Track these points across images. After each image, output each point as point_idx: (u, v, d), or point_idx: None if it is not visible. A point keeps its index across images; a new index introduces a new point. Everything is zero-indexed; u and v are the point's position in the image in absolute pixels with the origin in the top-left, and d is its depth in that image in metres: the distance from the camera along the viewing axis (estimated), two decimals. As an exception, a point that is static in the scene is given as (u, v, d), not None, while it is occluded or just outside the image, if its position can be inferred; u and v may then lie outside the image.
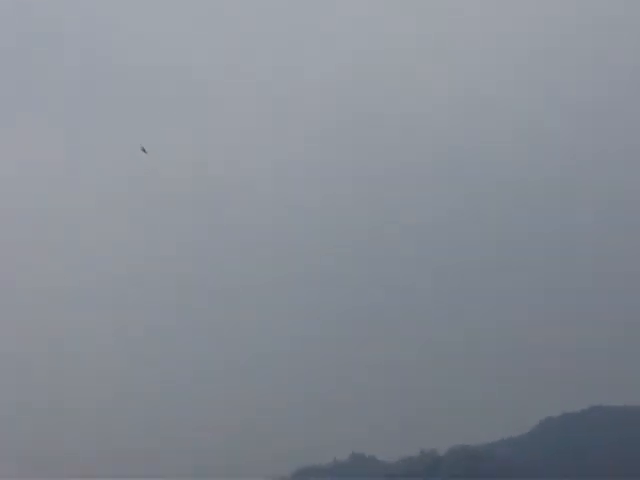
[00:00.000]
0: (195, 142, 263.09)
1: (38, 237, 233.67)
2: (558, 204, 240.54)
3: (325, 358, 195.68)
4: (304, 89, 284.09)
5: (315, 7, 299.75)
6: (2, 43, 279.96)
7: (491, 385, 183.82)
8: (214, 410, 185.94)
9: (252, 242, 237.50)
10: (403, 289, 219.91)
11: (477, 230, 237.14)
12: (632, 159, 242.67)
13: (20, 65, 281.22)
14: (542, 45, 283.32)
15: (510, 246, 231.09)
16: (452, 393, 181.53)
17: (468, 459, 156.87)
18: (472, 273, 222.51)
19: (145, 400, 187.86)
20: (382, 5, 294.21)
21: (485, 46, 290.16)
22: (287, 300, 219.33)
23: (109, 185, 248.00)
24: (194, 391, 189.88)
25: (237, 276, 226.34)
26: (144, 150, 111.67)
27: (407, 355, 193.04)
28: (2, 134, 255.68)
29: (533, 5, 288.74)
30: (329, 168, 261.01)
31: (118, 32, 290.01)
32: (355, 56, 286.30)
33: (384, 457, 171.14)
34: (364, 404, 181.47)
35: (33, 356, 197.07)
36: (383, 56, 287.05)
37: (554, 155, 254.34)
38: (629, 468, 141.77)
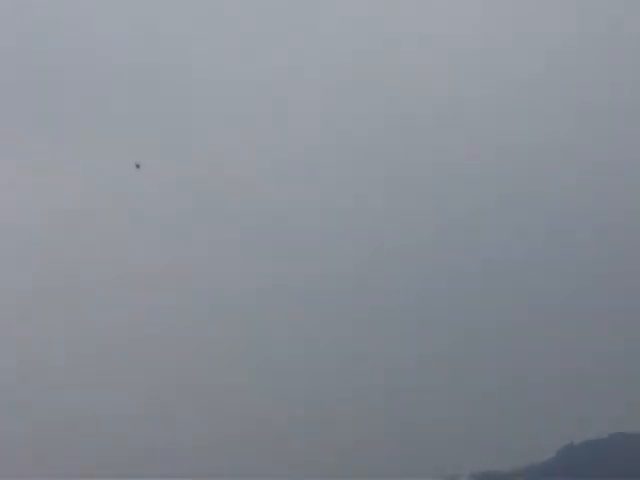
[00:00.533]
0: (196, 142, 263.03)
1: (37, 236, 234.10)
2: (559, 204, 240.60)
3: (334, 375, 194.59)
4: (304, 89, 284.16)
5: (315, 7, 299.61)
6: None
7: (512, 410, 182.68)
8: (215, 413, 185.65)
9: (252, 243, 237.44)
10: (406, 290, 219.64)
11: (477, 231, 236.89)
12: (632, 159, 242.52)
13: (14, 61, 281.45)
14: (543, 45, 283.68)
15: (511, 247, 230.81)
16: (472, 418, 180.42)
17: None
18: (481, 275, 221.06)
19: (144, 400, 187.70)
20: (382, 5, 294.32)
21: (485, 45, 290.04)
22: (287, 301, 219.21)
23: (108, 185, 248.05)
24: (194, 393, 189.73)
25: (238, 277, 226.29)
26: (138, 166, 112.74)
27: (422, 379, 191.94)
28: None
29: (534, 5, 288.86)
30: (330, 168, 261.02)
31: (116, 30, 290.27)
32: (355, 56, 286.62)
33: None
34: (381, 430, 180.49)
35: (32, 353, 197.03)
36: (383, 56, 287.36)
37: (554, 155, 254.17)
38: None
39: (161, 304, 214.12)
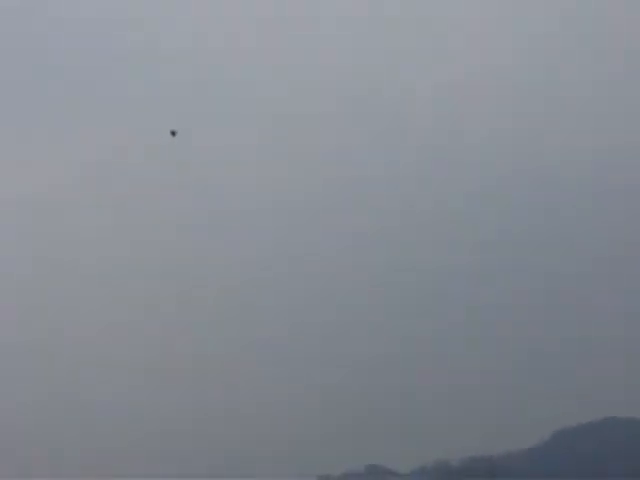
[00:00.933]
0: (196, 143, 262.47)
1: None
2: (558, 205, 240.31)
3: (334, 367, 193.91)
4: (304, 90, 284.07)
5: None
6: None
7: (504, 395, 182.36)
8: (214, 413, 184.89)
9: (252, 240, 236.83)
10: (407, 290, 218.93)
11: (475, 230, 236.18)
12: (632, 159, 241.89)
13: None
14: (542, 45, 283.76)
15: (509, 247, 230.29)
16: (465, 403, 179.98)
17: (482, 469, 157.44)
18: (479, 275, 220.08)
19: (145, 399, 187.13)
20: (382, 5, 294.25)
21: (485, 45, 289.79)
22: (288, 298, 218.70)
23: (109, 184, 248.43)
24: (194, 393, 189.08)
25: (239, 272, 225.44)
26: (174, 133, 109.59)
27: (419, 365, 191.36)
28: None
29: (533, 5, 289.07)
30: (329, 168, 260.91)
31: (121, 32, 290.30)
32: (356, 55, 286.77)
33: (397, 467, 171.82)
34: (376, 414, 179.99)
35: (33, 343, 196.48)
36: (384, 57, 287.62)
37: (552, 155, 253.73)
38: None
39: (161, 303, 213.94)
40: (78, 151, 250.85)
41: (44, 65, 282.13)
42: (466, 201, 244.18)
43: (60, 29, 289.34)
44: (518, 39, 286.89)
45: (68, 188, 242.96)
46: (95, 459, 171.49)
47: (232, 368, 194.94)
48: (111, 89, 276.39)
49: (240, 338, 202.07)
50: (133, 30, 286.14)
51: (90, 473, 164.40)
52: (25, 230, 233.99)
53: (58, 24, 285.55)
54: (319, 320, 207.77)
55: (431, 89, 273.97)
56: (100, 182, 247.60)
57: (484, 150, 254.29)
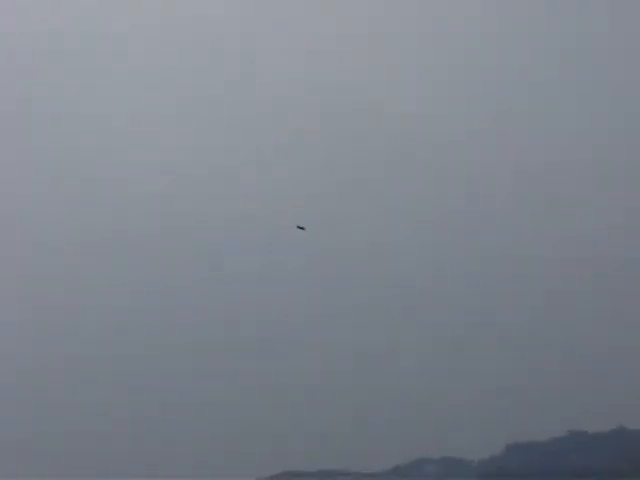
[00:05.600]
0: (197, 142, 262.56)
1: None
2: (558, 208, 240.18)
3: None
4: (302, 89, 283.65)
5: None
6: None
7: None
8: (215, 410, 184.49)
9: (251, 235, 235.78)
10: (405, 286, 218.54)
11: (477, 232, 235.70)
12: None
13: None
14: (542, 45, 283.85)
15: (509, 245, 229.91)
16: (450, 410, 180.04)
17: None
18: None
19: (145, 398, 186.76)
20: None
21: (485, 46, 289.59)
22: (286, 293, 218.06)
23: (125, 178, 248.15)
24: (195, 390, 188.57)
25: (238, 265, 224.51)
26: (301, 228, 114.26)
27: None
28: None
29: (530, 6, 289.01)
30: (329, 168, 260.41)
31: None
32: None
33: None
34: (363, 414, 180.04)
35: (34, 334, 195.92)
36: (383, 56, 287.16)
37: (552, 156, 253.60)
38: None
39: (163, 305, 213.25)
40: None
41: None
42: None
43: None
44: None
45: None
46: (95, 460, 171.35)
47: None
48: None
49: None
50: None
51: (91, 473, 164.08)
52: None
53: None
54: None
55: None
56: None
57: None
